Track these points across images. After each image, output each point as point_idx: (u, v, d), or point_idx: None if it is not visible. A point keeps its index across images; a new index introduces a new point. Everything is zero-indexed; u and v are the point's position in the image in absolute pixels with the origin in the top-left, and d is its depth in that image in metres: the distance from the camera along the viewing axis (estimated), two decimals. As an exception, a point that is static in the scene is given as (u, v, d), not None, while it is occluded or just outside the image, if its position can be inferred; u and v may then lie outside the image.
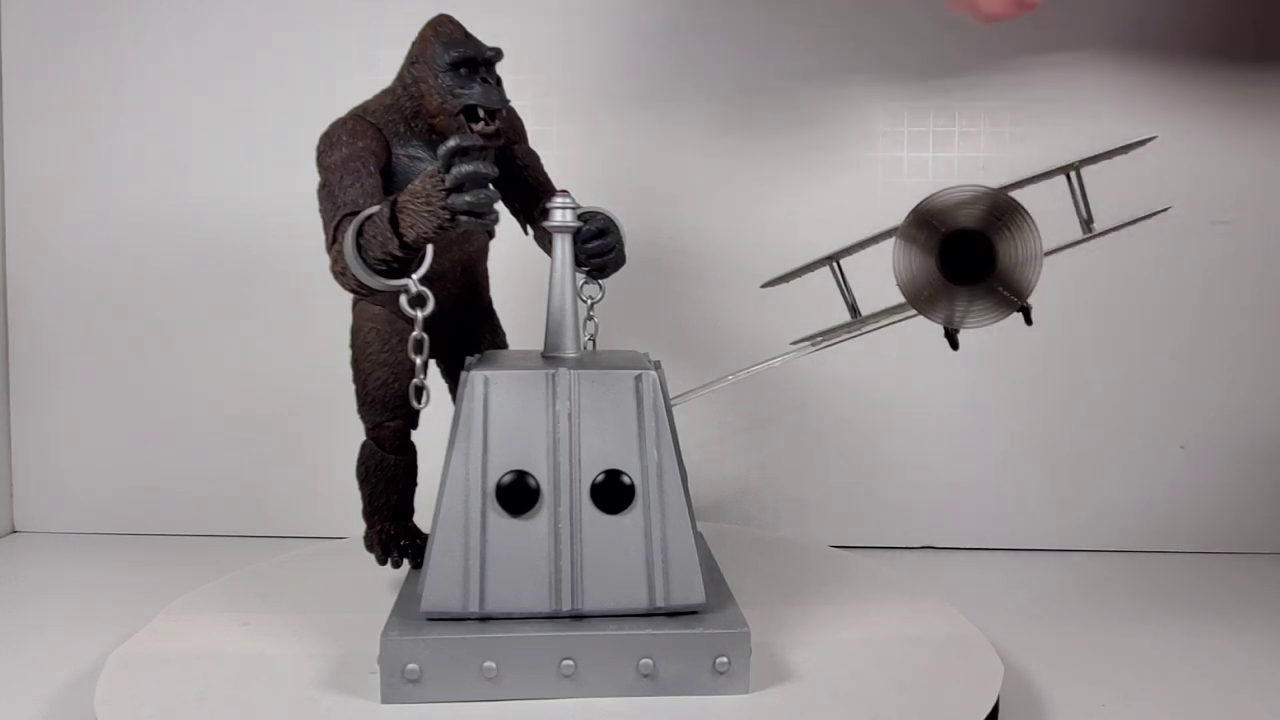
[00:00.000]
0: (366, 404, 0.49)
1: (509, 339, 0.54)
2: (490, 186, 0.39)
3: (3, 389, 0.71)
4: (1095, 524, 0.69)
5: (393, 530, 0.50)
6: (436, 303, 0.41)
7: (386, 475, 0.49)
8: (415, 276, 0.41)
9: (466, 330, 0.51)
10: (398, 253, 0.40)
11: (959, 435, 0.70)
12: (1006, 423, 0.69)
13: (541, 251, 0.50)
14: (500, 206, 0.48)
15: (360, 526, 0.51)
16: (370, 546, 0.50)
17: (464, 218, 0.38)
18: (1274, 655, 0.51)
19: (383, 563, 0.50)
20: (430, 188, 0.39)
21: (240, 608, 0.50)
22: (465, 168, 0.38)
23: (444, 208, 0.38)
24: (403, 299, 0.41)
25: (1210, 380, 0.68)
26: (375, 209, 0.41)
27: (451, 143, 0.38)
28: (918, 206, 0.42)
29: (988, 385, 0.69)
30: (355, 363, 0.49)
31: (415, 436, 0.51)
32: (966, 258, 0.42)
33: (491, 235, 0.50)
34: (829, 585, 0.54)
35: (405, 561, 0.50)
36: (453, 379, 0.53)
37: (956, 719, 0.40)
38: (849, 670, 0.44)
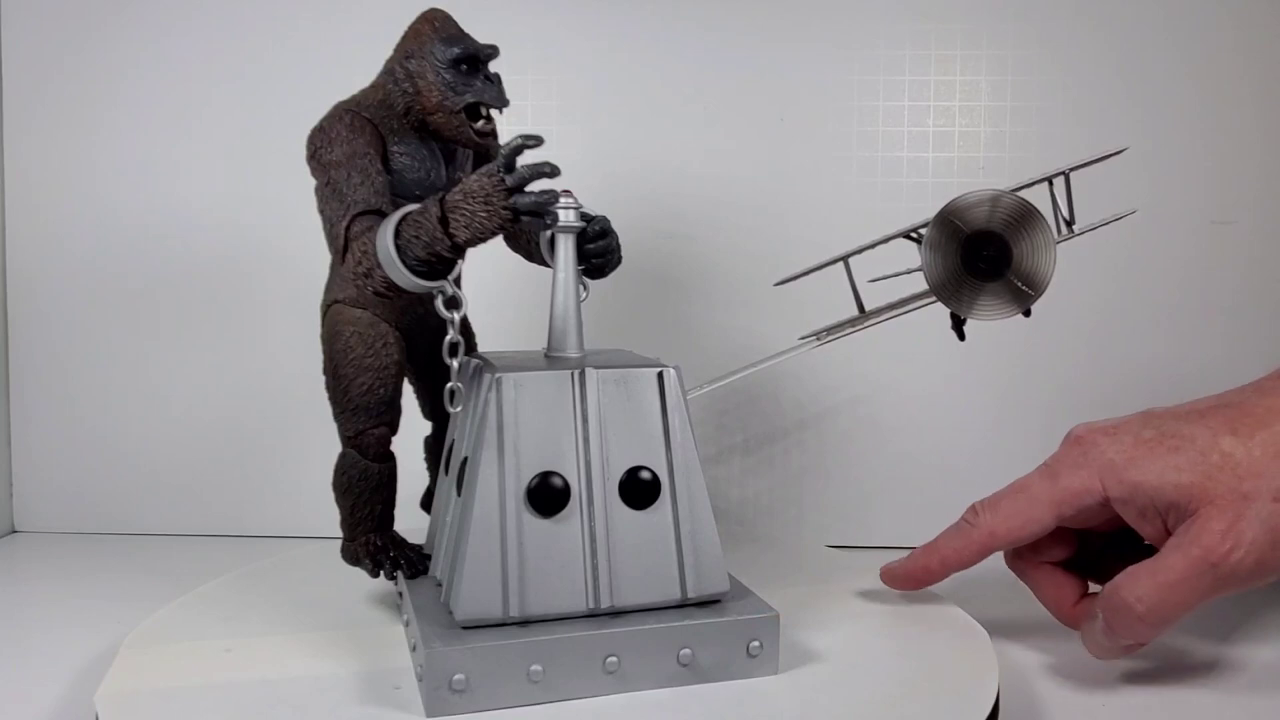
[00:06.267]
0: (348, 411, 0.47)
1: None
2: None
3: (3, 389, 0.71)
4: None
5: (379, 541, 0.48)
6: (421, 307, 0.40)
7: (371, 485, 0.47)
8: (450, 278, 0.41)
9: (441, 334, 0.51)
10: (447, 254, 0.39)
11: (958, 435, 0.70)
12: (1007, 423, 0.70)
13: (531, 253, 0.50)
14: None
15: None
16: (356, 560, 0.48)
17: (526, 218, 0.38)
18: (1274, 654, 0.51)
19: (375, 575, 0.48)
20: (490, 187, 0.38)
21: (226, 622, 0.48)
22: (531, 166, 0.38)
23: (506, 208, 0.38)
24: (438, 301, 0.41)
25: (1212, 381, 0.68)
26: (414, 207, 0.40)
27: (516, 141, 0.38)
28: (944, 208, 0.45)
29: (988, 385, 0.69)
30: (334, 369, 0.47)
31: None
32: (987, 254, 0.46)
33: None
34: (827, 584, 0.54)
35: (399, 573, 0.48)
36: (422, 384, 0.52)
37: (956, 719, 0.40)
38: (866, 651, 0.45)
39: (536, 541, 0.42)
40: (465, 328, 0.53)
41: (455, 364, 0.42)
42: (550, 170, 0.38)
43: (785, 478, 0.70)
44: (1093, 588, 0.49)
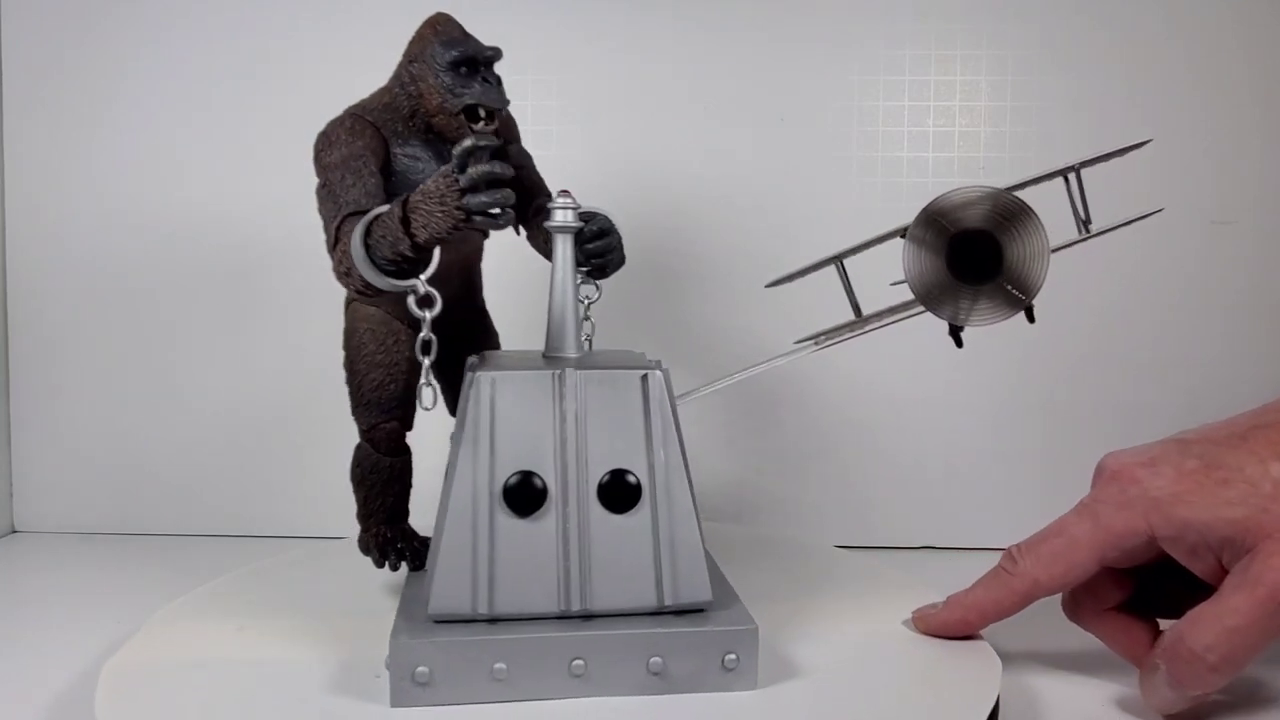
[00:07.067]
0: (361, 405, 0.49)
1: (507, 339, 0.54)
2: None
3: (3, 389, 0.71)
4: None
5: (389, 533, 0.50)
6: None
7: (382, 478, 0.49)
8: (423, 277, 0.41)
9: (461, 331, 0.51)
10: (409, 253, 0.40)
11: (959, 435, 0.70)
12: (1007, 423, 0.70)
13: (537, 252, 0.50)
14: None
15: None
16: (367, 550, 0.50)
17: (479, 218, 0.38)
18: (1275, 655, 0.51)
19: (380, 566, 0.50)
20: (445, 188, 0.39)
21: (236, 612, 0.50)
22: (482, 168, 0.38)
23: (459, 208, 0.38)
24: (410, 300, 0.41)
25: (1210, 381, 0.68)
26: (384, 209, 0.41)
27: (467, 143, 0.38)
28: (927, 207, 0.43)
29: (988, 385, 0.69)
30: (350, 364, 0.49)
31: (408, 438, 0.50)
32: (975, 257, 0.43)
33: (485, 235, 0.50)
34: (828, 585, 0.54)
35: (404, 564, 0.50)
36: (445, 380, 0.52)
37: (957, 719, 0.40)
38: (853, 667, 0.44)
39: (510, 540, 0.42)
40: (487, 328, 0.53)
41: (427, 362, 0.42)
42: (502, 170, 0.38)
43: (787, 477, 0.70)
44: (1163, 624, 0.46)
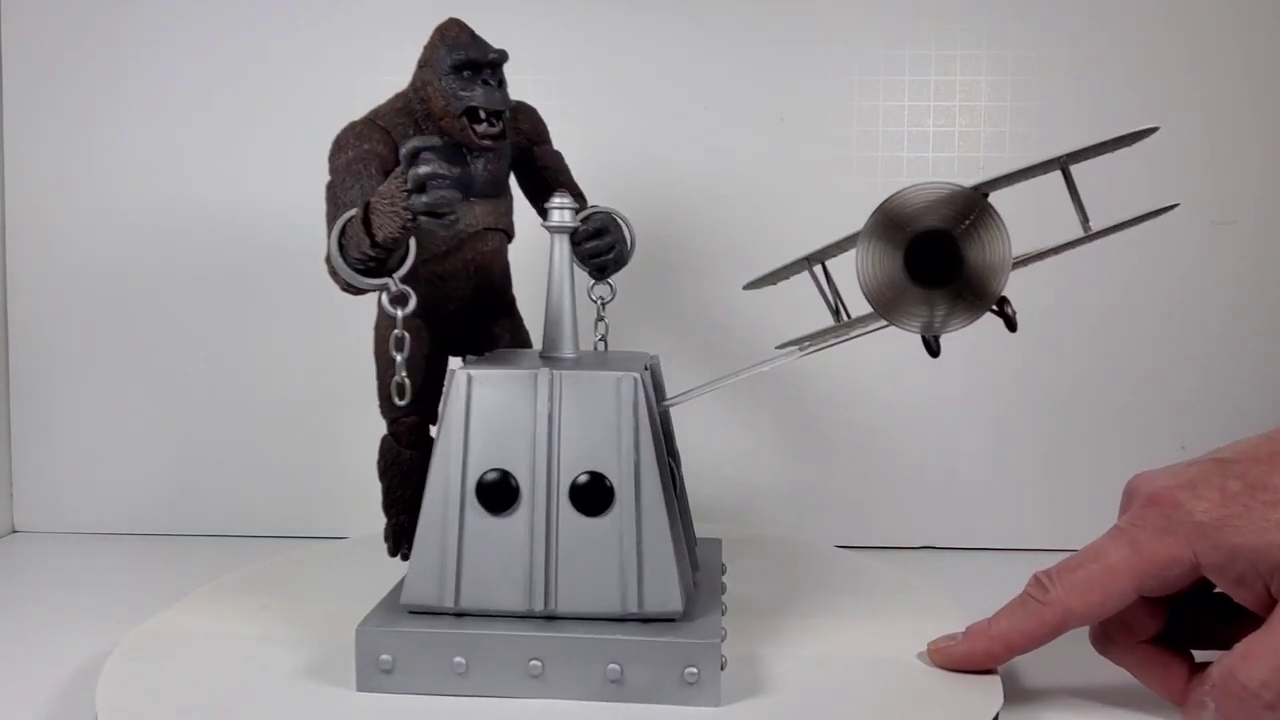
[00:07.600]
0: (384, 399, 0.49)
1: (540, 340, 0.54)
2: (455, 186, 0.39)
3: (3, 389, 0.71)
4: (1096, 524, 0.68)
5: (406, 523, 0.50)
6: (449, 302, 0.41)
7: (403, 469, 0.50)
8: (397, 275, 0.41)
9: (485, 329, 0.52)
10: (370, 252, 0.41)
11: (959, 435, 0.69)
12: (1007, 422, 0.69)
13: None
14: (526, 206, 0.51)
15: (374, 522, 0.51)
16: (386, 538, 0.51)
17: (423, 218, 0.39)
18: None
19: (393, 554, 0.50)
20: (394, 188, 0.39)
21: (236, 605, 0.51)
22: (421, 169, 0.39)
23: (405, 208, 0.39)
24: (383, 297, 0.42)
25: (1210, 380, 0.68)
26: (355, 210, 0.41)
27: (412, 143, 0.39)
28: (882, 205, 0.40)
29: (988, 385, 0.69)
30: (376, 359, 0.50)
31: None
32: (934, 259, 0.40)
33: (510, 237, 0.50)
34: (827, 587, 0.54)
35: None
36: None
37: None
38: (837, 682, 0.43)
39: (480, 537, 0.42)
40: (516, 327, 0.54)
41: (400, 358, 0.42)
42: (446, 170, 0.39)
43: (787, 477, 0.70)
44: (1198, 656, 0.43)
